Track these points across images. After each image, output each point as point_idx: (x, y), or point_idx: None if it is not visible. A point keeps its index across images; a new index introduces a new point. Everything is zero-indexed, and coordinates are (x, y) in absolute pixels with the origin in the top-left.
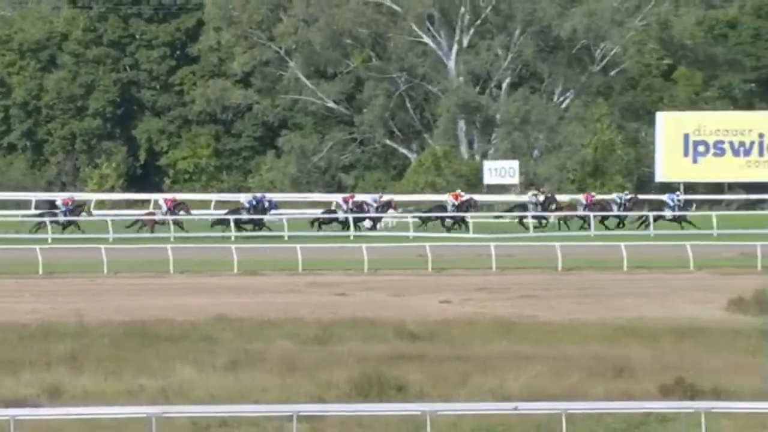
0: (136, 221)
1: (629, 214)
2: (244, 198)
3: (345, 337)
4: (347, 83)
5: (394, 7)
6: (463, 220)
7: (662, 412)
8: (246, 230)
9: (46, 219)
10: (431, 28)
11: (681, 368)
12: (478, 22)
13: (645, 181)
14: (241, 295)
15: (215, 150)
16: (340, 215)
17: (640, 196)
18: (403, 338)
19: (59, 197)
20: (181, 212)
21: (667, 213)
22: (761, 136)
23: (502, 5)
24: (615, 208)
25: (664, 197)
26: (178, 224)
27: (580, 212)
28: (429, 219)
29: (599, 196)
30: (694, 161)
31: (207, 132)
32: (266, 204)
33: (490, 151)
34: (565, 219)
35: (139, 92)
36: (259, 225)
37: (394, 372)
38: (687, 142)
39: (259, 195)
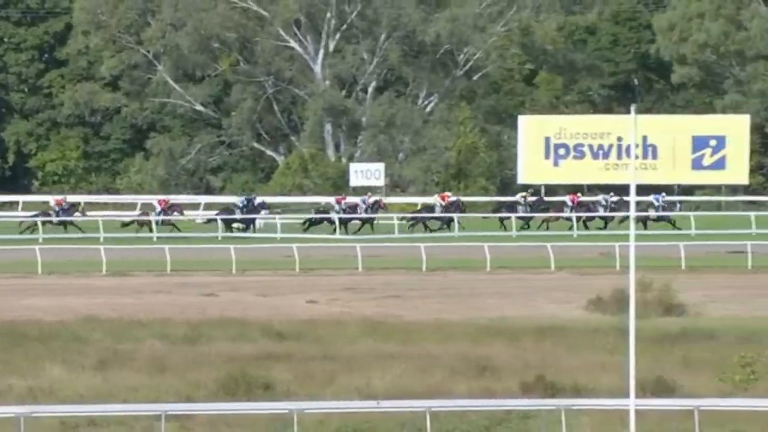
0: (133, 221)
1: (616, 214)
2: (236, 199)
3: (213, 337)
4: (215, 86)
5: (261, 12)
6: (451, 221)
7: (524, 410)
8: (238, 230)
9: (39, 219)
10: (298, 33)
11: (542, 366)
12: (344, 27)
13: (507, 183)
14: (111, 296)
15: (84, 152)
16: (333, 215)
17: (628, 198)
18: (271, 338)
19: (51, 198)
20: (175, 213)
21: (652, 213)
22: (620, 139)
23: (367, 11)
24: (601, 209)
25: (650, 198)
26: (172, 224)
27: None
28: (417, 220)
29: (584, 198)
30: (555, 164)
31: (76, 134)
32: (256, 204)
33: (356, 153)
34: (551, 220)
35: (8, 95)
36: (251, 225)
37: (262, 371)
38: (548, 145)
39: (250, 196)
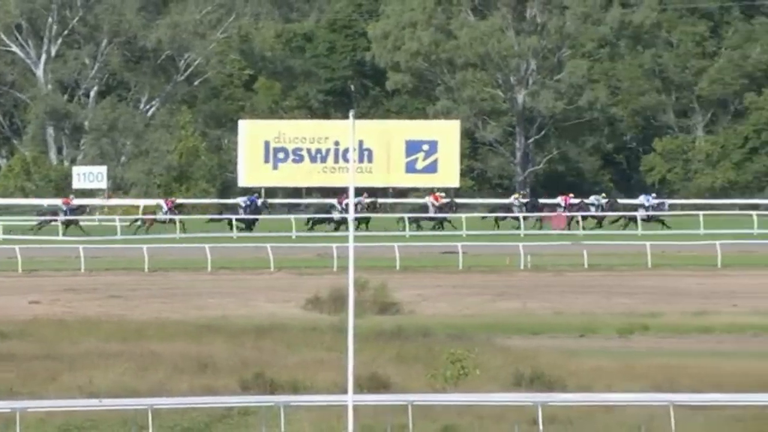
0: (136, 221)
1: (607, 214)
2: (240, 199)
3: None
4: None
5: None
6: (445, 220)
7: (244, 406)
8: (241, 229)
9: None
10: (19, 38)
11: (261, 364)
12: (66, 32)
13: (228, 186)
14: None
15: None
16: (335, 215)
17: (621, 200)
18: None
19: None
20: (180, 214)
21: (642, 213)
22: (337, 143)
23: (88, 17)
24: (593, 209)
25: (641, 198)
26: (173, 222)
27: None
28: (417, 219)
29: (575, 200)
30: (275, 167)
31: None
32: (259, 203)
33: (79, 156)
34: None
35: None
36: (252, 224)
37: None
38: (268, 149)
39: (253, 196)
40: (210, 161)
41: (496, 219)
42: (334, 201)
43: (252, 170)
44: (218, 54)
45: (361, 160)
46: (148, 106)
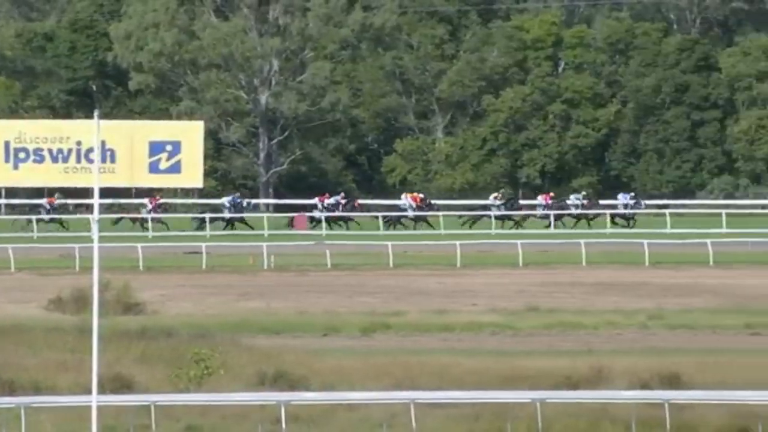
0: (121, 218)
1: (589, 212)
2: (225, 199)
3: None
4: None
5: None
6: (423, 220)
7: None
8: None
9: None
10: None
11: (1, 365)
12: None
13: None
14: None
15: None
16: (317, 214)
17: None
18: None
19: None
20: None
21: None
22: (79, 143)
23: None
24: (573, 208)
25: (619, 198)
26: (163, 222)
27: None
28: (392, 219)
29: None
30: (15, 167)
31: None
32: (244, 204)
33: None
34: (525, 218)
35: None
36: (240, 223)
37: None
38: (8, 149)
39: (237, 196)
40: None
41: (474, 219)
42: (315, 200)
43: None
44: None
45: (104, 161)
46: None
